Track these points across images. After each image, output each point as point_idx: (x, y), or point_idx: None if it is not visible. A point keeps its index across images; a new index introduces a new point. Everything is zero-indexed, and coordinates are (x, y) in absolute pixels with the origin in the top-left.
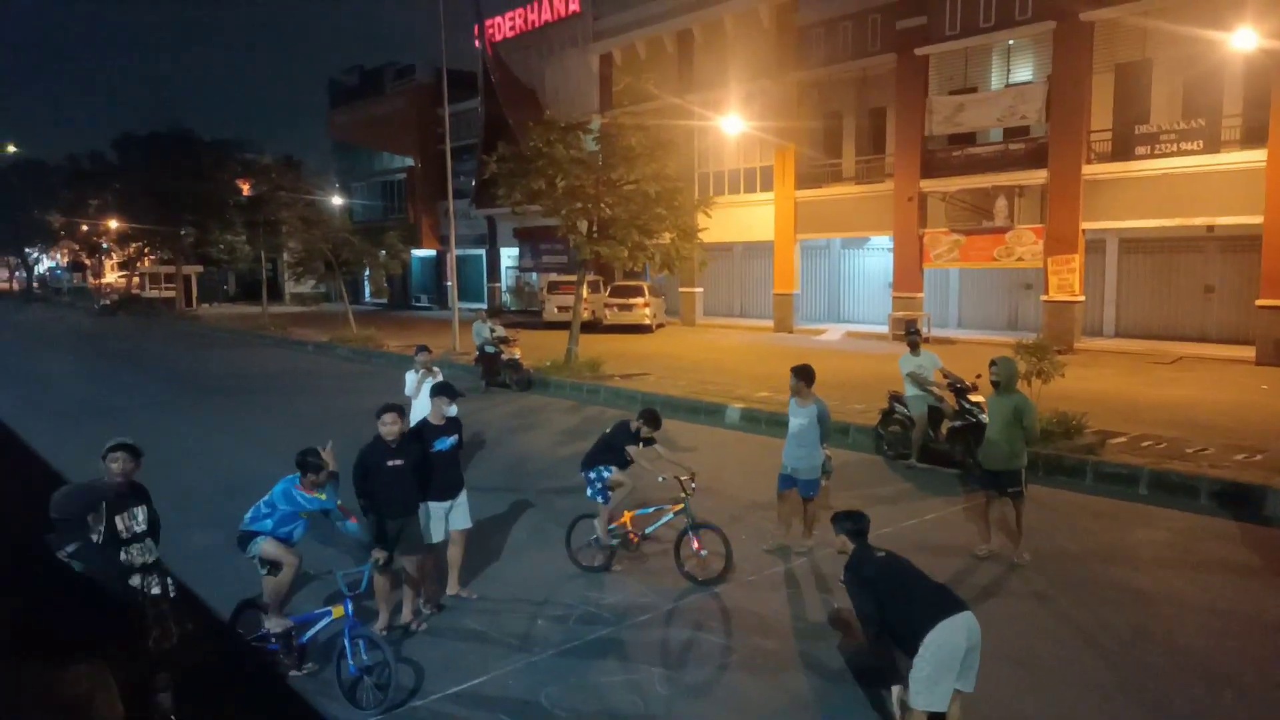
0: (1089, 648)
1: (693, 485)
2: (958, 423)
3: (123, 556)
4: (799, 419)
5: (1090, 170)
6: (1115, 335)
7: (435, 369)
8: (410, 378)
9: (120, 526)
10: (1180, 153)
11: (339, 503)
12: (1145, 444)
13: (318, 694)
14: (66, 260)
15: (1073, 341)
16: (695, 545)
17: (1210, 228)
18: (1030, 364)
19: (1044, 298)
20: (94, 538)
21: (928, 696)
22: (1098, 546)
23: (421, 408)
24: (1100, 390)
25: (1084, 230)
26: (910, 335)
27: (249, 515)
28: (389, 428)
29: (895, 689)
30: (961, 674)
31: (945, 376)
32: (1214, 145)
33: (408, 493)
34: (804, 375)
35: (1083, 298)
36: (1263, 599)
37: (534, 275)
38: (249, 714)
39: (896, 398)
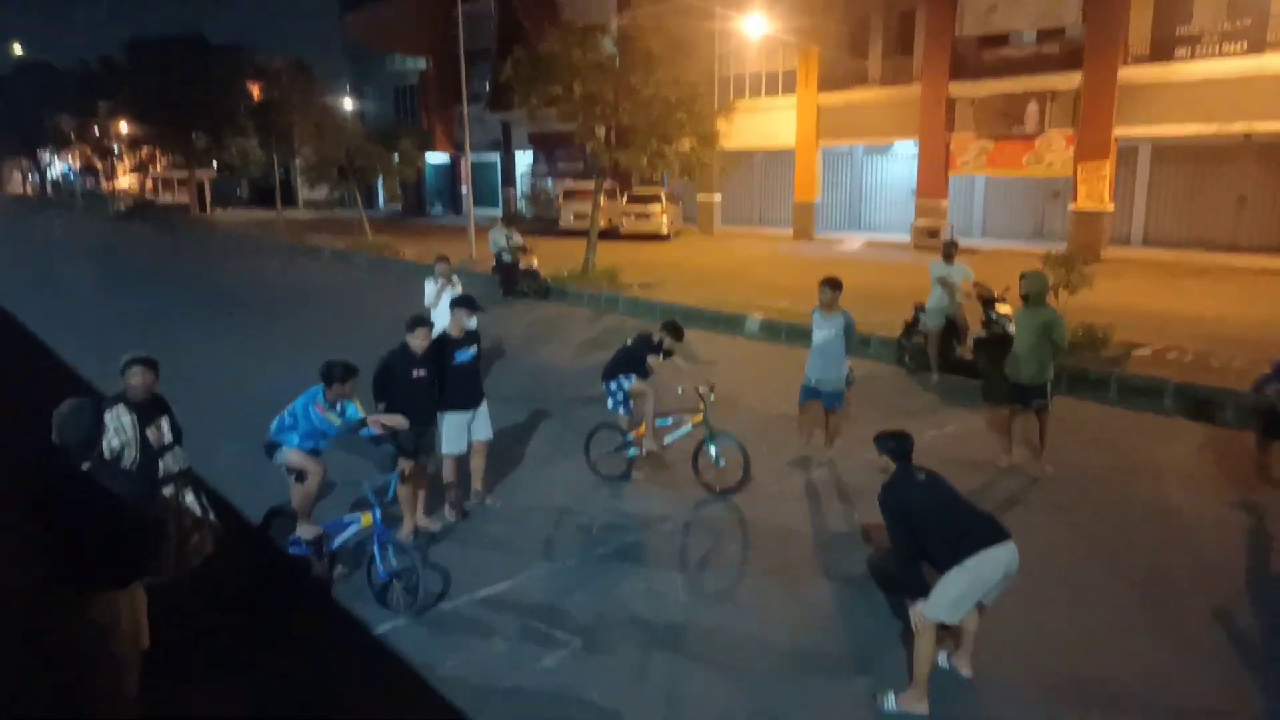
0: (1108, 562)
1: (711, 397)
2: (983, 334)
3: (161, 468)
4: (825, 331)
5: (1126, 73)
6: (1143, 245)
7: (455, 278)
8: (429, 287)
9: (151, 439)
10: (1222, 55)
11: (362, 415)
12: (1171, 356)
13: (351, 597)
14: (78, 164)
15: (1099, 251)
16: (714, 455)
17: (1248, 135)
18: (1058, 276)
19: (1072, 206)
20: (107, 455)
21: (947, 612)
22: (1121, 460)
23: (441, 318)
24: (1126, 302)
25: (1117, 137)
26: (946, 246)
27: (274, 424)
28: (420, 341)
29: (918, 605)
30: (986, 595)
31: (975, 287)
32: (1259, 46)
33: (429, 402)
34: (836, 286)
35: (1112, 207)
36: None
37: (549, 181)
38: (285, 617)
39: (921, 308)
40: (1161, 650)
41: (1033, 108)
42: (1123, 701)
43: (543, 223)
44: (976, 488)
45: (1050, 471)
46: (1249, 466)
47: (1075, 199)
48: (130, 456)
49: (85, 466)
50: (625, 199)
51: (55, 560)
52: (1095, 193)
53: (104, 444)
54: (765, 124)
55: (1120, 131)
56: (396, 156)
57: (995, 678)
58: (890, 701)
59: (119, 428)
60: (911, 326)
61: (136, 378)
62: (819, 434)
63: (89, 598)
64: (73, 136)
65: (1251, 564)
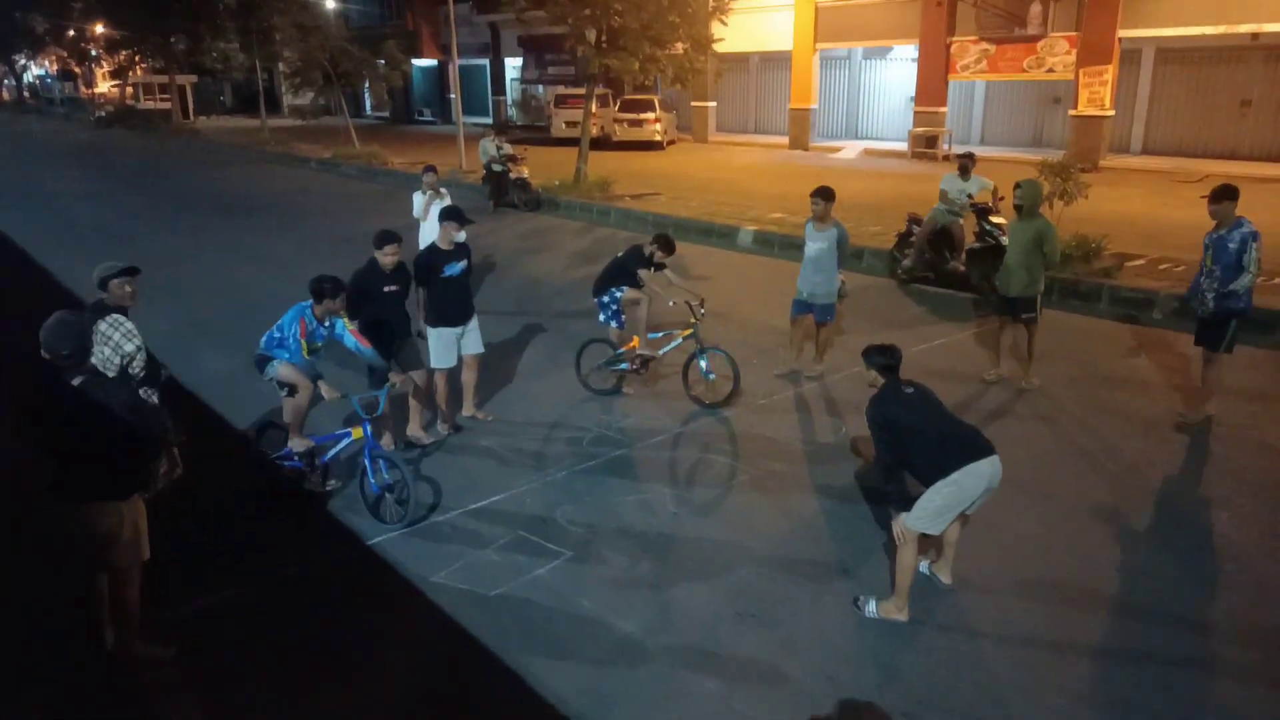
0: (1093, 472)
1: (701, 310)
2: (976, 244)
3: (163, 374)
4: (817, 243)
5: None
6: (1143, 152)
7: (443, 190)
8: (418, 199)
9: None
10: None
11: (351, 328)
12: (1163, 267)
13: (344, 510)
14: (56, 69)
15: (1098, 159)
16: (703, 369)
17: (1255, 35)
18: (1053, 184)
19: (1072, 112)
20: (120, 360)
21: (930, 524)
22: (1109, 372)
23: (430, 230)
24: (1123, 211)
25: (1120, 39)
26: (962, 159)
27: (264, 340)
28: (389, 258)
29: (901, 516)
30: (969, 507)
31: (972, 201)
32: None
33: (402, 317)
34: (827, 196)
35: (1112, 112)
36: (1268, 423)
37: (540, 88)
38: (282, 527)
39: (915, 219)
40: (1139, 555)
41: (1036, 8)
42: (1099, 604)
43: (533, 130)
44: (963, 400)
45: (1036, 384)
46: (1193, 377)
47: (1076, 104)
48: (141, 362)
49: (77, 381)
50: (618, 106)
51: (54, 472)
52: (1096, 98)
53: (114, 351)
54: (761, 25)
55: (1124, 33)
56: (382, 61)
57: (975, 584)
58: (871, 608)
59: (129, 333)
60: (905, 238)
61: (131, 286)
62: (809, 347)
63: (89, 509)
64: (47, 39)
65: (1237, 473)
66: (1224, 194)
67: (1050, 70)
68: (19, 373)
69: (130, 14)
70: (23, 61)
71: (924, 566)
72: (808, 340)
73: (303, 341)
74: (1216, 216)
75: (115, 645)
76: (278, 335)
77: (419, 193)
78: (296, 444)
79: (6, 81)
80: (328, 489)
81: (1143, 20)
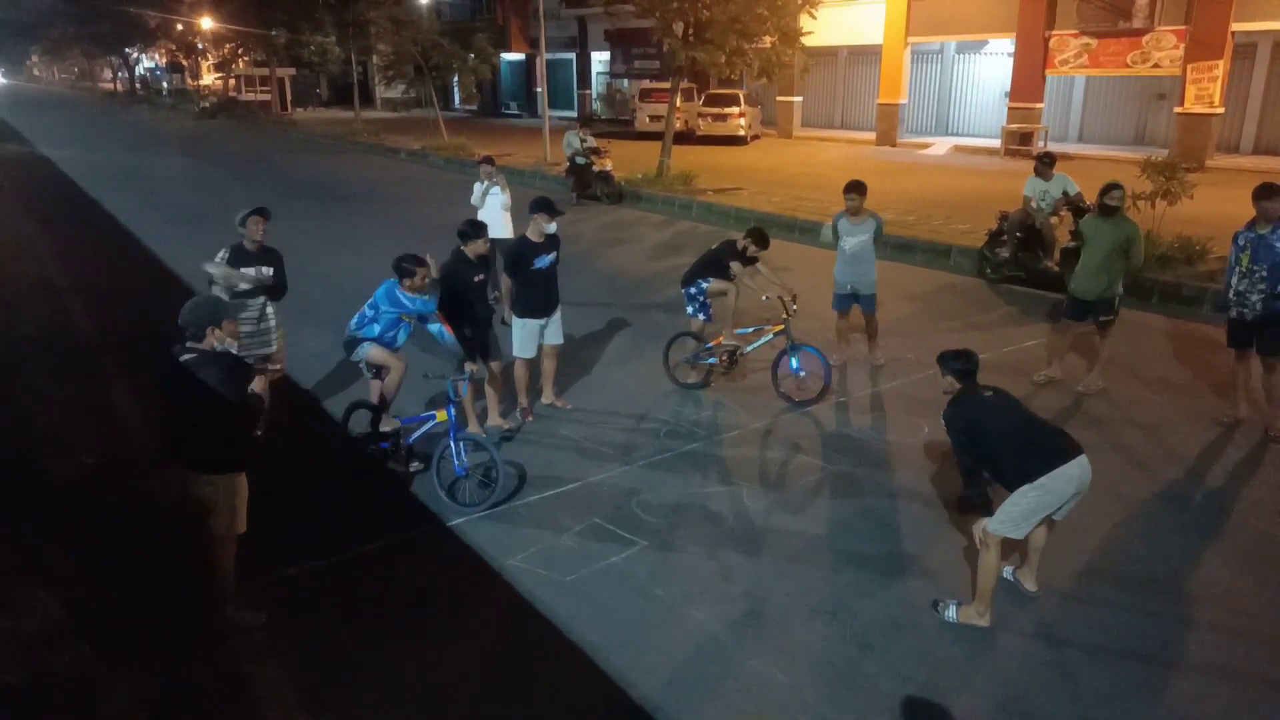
0: (1188, 482)
1: (794, 306)
2: (1072, 244)
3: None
4: (857, 237)
5: None
6: (1254, 152)
7: (501, 179)
8: (476, 189)
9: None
10: None
11: (435, 308)
12: None
13: (427, 491)
14: (165, 61)
15: (1205, 159)
16: (794, 366)
17: None
18: (1157, 183)
19: (1178, 109)
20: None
21: (1013, 529)
22: (1210, 379)
23: (486, 219)
24: (1230, 213)
25: (1234, 32)
26: (1040, 160)
27: (354, 321)
28: (479, 247)
29: (982, 521)
30: (1057, 511)
31: (1067, 200)
32: None
33: (487, 306)
34: (862, 190)
35: (1222, 110)
36: None
37: (625, 81)
38: (365, 506)
39: (1004, 217)
40: (1236, 572)
41: (1142, 0)
42: (1191, 618)
43: (618, 124)
44: (1056, 406)
45: (1100, 387)
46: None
47: (1183, 101)
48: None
49: (186, 358)
50: (702, 100)
51: (164, 439)
52: (1204, 95)
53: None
54: (851, 19)
55: (1238, 26)
56: (472, 55)
57: (1061, 592)
58: (951, 613)
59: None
60: (996, 236)
61: (260, 225)
62: (857, 341)
63: (191, 476)
64: (157, 32)
65: None
66: (1264, 193)
67: (1156, 65)
68: (130, 344)
69: (235, 8)
70: (135, 54)
71: (1008, 573)
72: (854, 332)
73: (416, 295)
74: (1261, 215)
75: (208, 608)
76: (369, 314)
77: (478, 183)
78: (384, 425)
79: (120, 74)
80: (412, 470)
81: (1258, 12)
